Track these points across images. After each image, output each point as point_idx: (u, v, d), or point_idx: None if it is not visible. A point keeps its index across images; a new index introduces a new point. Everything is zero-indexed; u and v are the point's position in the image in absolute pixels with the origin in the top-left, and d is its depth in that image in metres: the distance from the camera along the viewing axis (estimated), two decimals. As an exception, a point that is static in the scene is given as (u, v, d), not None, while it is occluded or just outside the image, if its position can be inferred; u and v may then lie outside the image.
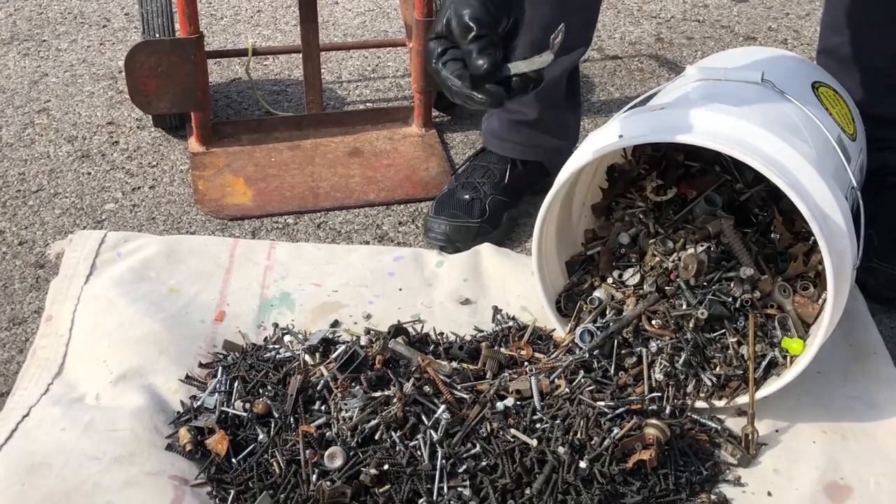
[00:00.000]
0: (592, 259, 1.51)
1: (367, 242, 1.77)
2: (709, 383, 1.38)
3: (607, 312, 1.44)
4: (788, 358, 1.37)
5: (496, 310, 1.55)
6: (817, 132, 1.38)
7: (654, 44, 2.42)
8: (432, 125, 2.05)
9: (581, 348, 1.39)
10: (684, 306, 1.39)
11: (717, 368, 1.38)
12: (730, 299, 1.38)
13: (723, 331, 1.38)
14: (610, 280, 1.47)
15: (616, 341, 1.40)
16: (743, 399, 1.37)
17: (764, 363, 1.37)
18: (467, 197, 1.74)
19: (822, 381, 1.46)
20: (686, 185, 1.49)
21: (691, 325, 1.37)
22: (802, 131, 1.37)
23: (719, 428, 1.36)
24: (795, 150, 1.30)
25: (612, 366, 1.38)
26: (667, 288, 1.41)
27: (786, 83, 1.45)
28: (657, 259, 1.43)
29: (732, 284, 1.39)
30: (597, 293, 1.46)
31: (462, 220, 1.71)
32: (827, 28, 1.75)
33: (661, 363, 1.38)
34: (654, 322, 1.39)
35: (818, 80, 1.54)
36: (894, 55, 1.68)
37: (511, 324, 1.51)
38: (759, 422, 1.38)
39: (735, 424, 1.37)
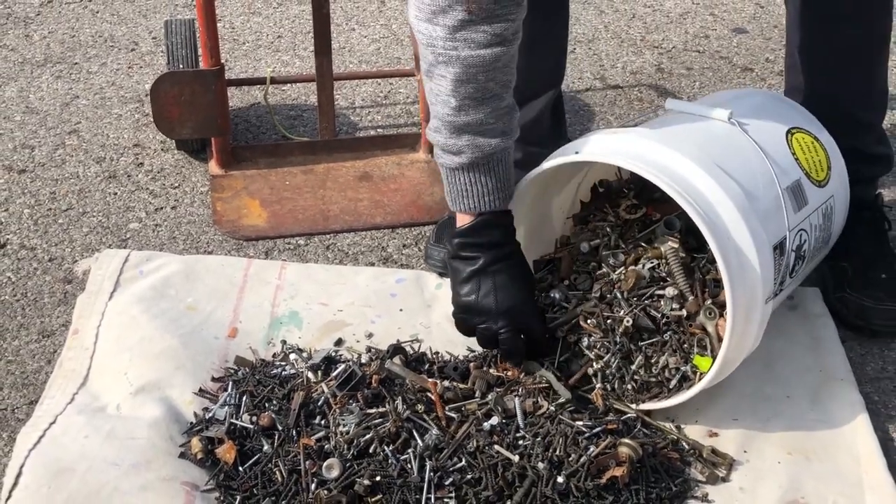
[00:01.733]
0: (560, 261, 1.63)
1: (373, 264, 1.89)
2: (628, 387, 1.50)
3: (556, 311, 1.56)
4: (697, 374, 1.48)
5: (489, 331, 1.67)
6: (764, 174, 1.49)
7: (655, 74, 2.52)
8: (439, 151, 2.17)
9: None
10: (621, 314, 1.50)
11: (637, 375, 1.50)
12: (659, 315, 1.49)
13: (648, 341, 1.50)
14: (566, 283, 1.59)
15: (560, 341, 1.53)
16: (654, 405, 1.49)
17: (678, 376, 1.49)
18: None
19: (791, 405, 1.56)
20: (653, 208, 1.59)
21: (621, 329, 1.49)
22: (751, 171, 1.47)
23: (688, 447, 1.46)
24: (717, 184, 1.41)
25: (556, 362, 1.51)
26: (608, 296, 1.52)
27: (756, 125, 1.56)
28: (606, 270, 1.55)
29: (663, 302, 1.50)
30: (552, 293, 1.58)
31: None
32: (790, 69, 1.84)
33: (594, 363, 1.50)
34: (589, 321, 1.51)
35: (796, 126, 1.63)
36: (857, 91, 1.76)
37: (501, 345, 1.62)
38: (730, 442, 1.48)
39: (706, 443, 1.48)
